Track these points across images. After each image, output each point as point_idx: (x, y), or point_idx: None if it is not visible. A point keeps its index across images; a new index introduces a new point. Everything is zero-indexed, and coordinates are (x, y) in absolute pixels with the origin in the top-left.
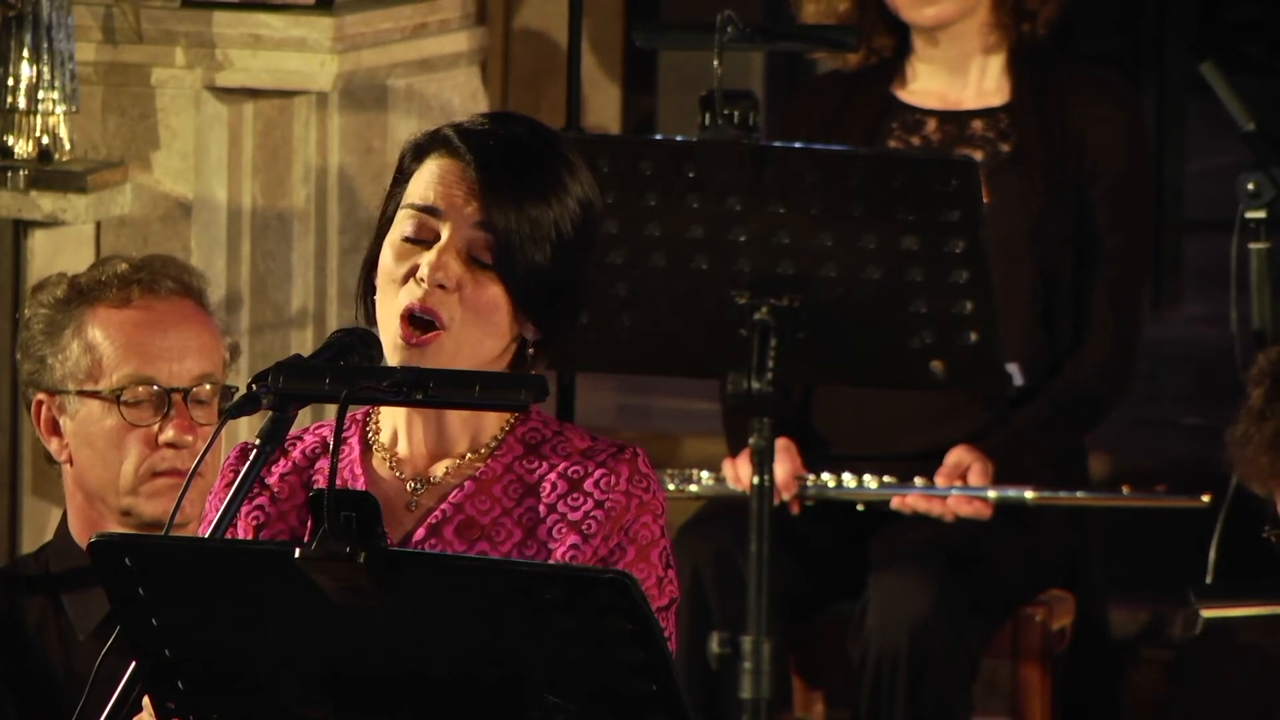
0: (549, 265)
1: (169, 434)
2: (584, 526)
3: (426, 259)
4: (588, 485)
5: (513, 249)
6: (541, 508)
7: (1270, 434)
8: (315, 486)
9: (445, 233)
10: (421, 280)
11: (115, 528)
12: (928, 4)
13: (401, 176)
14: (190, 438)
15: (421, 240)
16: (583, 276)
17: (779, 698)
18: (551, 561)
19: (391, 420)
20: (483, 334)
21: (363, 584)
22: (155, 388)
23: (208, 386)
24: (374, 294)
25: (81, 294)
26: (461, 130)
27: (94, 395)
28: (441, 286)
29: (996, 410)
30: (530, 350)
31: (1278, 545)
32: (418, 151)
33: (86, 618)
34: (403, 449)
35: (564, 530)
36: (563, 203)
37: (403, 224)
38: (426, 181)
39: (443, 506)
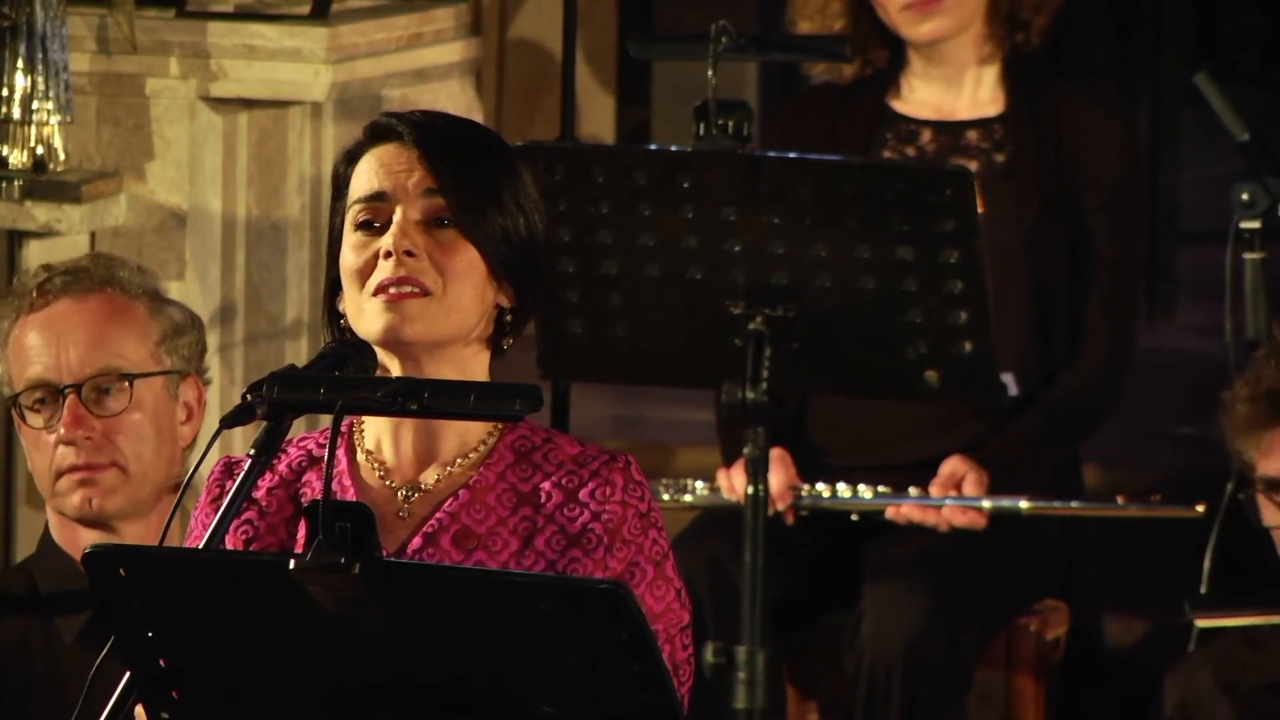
0: (508, 221)
1: (60, 432)
2: (583, 541)
3: (388, 234)
4: (583, 495)
5: (469, 203)
6: (539, 518)
7: (1251, 389)
8: (303, 499)
9: (398, 210)
10: (388, 254)
11: (69, 526)
12: (924, 20)
13: (340, 190)
14: (80, 432)
15: (376, 226)
16: (541, 247)
17: (773, 708)
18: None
19: (376, 428)
20: (467, 297)
21: (357, 594)
22: (48, 388)
23: (108, 378)
24: (341, 320)
25: (8, 302)
26: (389, 114)
27: (12, 403)
28: (409, 254)
29: (991, 420)
30: (508, 318)
31: (1248, 508)
32: (349, 157)
33: (71, 621)
34: (389, 456)
35: (562, 541)
36: (510, 170)
37: (354, 220)
38: (366, 173)
39: (438, 516)
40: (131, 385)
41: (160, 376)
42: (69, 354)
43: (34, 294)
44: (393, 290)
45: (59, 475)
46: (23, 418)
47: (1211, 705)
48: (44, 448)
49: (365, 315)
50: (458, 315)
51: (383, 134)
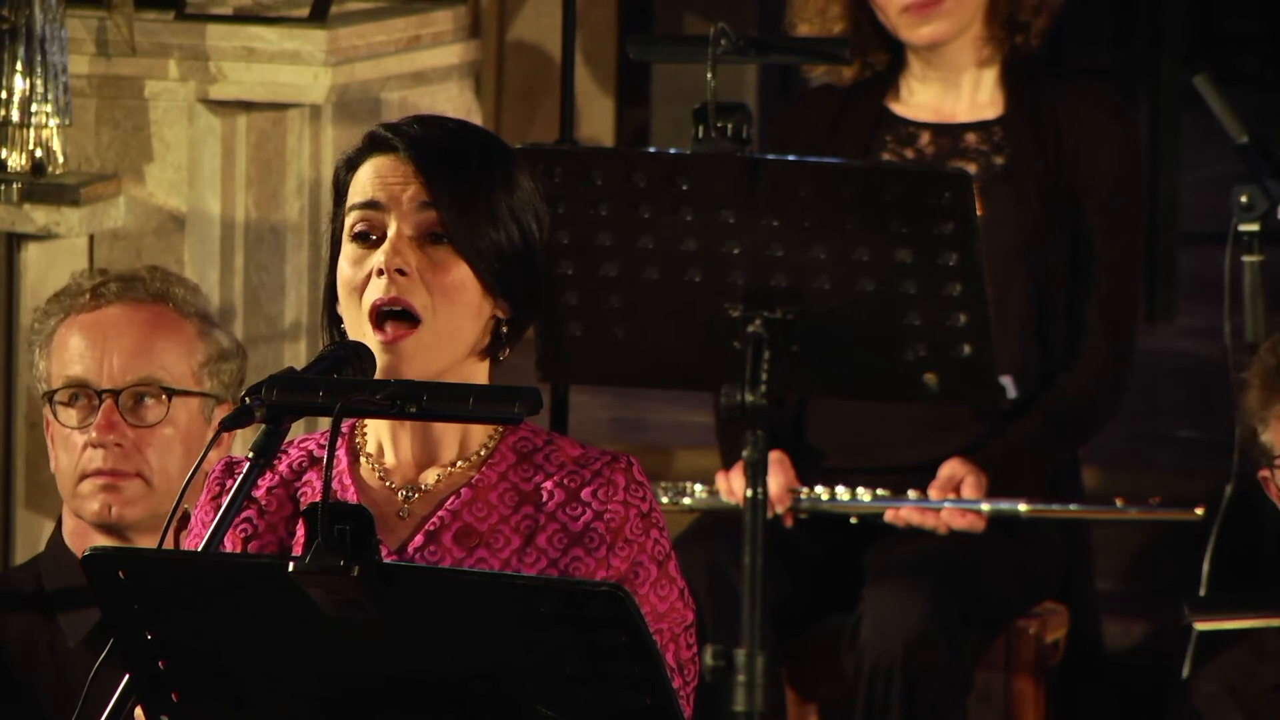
0: (503, 236)
1: (91, 434)
2: (585, 539)
3: (380, 251)
4: (584, 495)
5: (462, 219)
6: (541, 516)
7: (1263, 365)
8: (303, 499)
9: (392, 223)
10: (380, 273)
11: (83, 530)
12: (923, 23)
13: (340, 196)
14: (112, 437)
15: (372, 238)
16: (539, 256)
17: (773, 710)
18: (551, 572)
19: (377, 431)
20: (460, 319)
21: (356, 597)
22: (86, 389)
23: (148, 389)
24: (340, 324)
25: (58, 300)
26: (388, 126)
27: (46, 399)
28: (402, 273)
29: (990, 423)
30: (504, 329)
31: (1268, 484)
32: (349, 164)
33: (77, 625)
34: (390, 459)
35: (564, 540)
36: (508, 180)
37: (350, 229)
38: (363, 182)
39: (440, 513)
40: (170, 400)
41: (198, 398)
42: (113, 359)
43: (87, 296)
44: (389, 331)
45: (82, 477)
46: (55, 415)
47: (1222, 712)
48: (71, 448)
49: (364, 342)
50: (451, 339)
51: (380, 145)
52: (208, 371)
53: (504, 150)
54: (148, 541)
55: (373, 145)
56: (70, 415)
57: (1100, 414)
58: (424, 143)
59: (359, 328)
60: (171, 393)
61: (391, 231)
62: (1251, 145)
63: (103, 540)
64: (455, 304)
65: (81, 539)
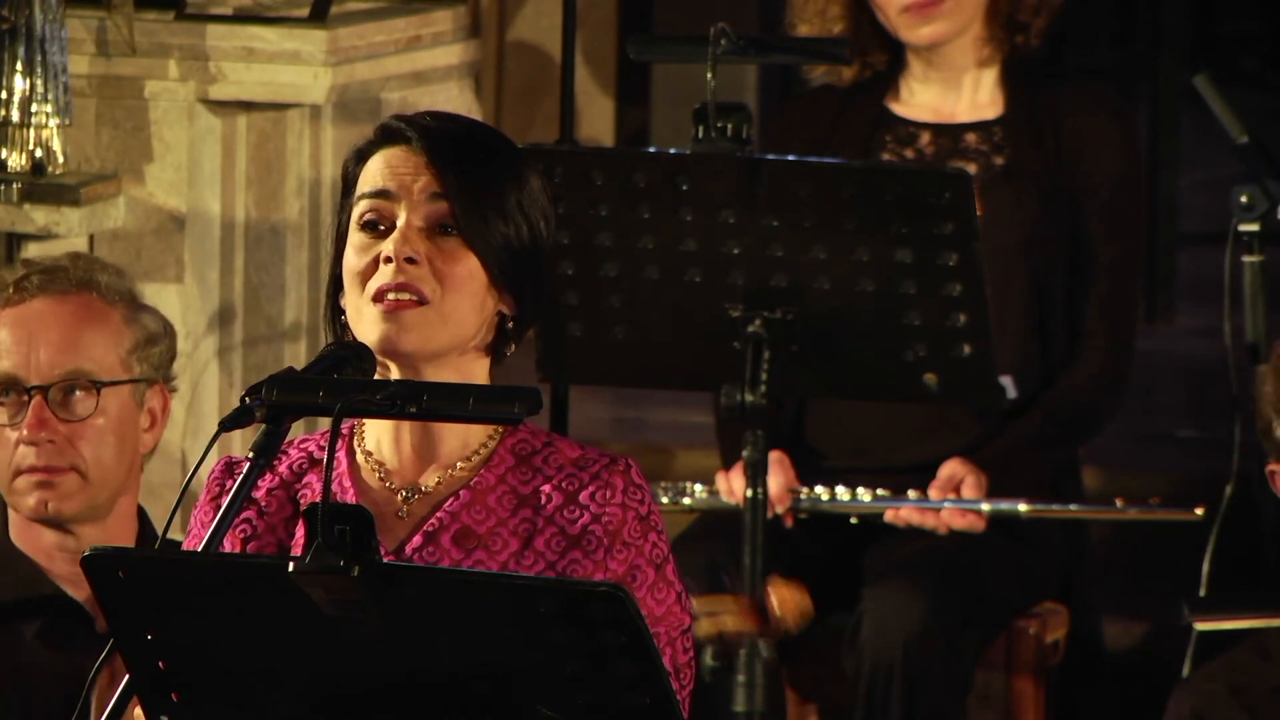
0: (512, 230)
1: (22, 432)
2: (583, 542)
3: (389, 239)
4: (583, 498)
5: (473, 211)
6: (539, 519)
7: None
8: (303, 501)
9: (402, 213)
10: (389, 259)
11: (26, 523)
12: (923, 24)
13: (349, 187)
14: (43, 434)
15: (380, 228)
16: (545, 254)
17: (773, 710)
18: (549, 574)
19: (376, 430)
20: (465, 309)
21: (356, 597)
22: (15, 385)
23: (78, 382)
24: (342, 315)
25: None
26: (400, 117)
27: None
28: (411, 261)
29: (990, 423)
30: (509, 325)
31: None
32: (360, 156)
33: (31, 620)
34: (390, 459)
35: (562, 543)
36: (518, 177)
37: (359, 218)
38: (373, 172)
39: (439, 515)
40: (99, 391)
41: (128, 385)
42: (39, 354)
43: (10, 290)
44: (391, 298)
45: (17, 474)
46: None
47: (1224, 712)
48: (4, 444)
49: (363, 321)
50: (454, 325)
51: (392, 136)
52: (136, 357)
53: (515, 149)
54: (91, 532)
55: (385, 136)
56: (3, 412)
57: (1100, 414)
58: (437, 134)
59: (360, 314)
60: (100, 385)
61: (401, 221)
62: (1251, 145)
63: (46, 533)
64: (462, 294)
65: (24, 533)
